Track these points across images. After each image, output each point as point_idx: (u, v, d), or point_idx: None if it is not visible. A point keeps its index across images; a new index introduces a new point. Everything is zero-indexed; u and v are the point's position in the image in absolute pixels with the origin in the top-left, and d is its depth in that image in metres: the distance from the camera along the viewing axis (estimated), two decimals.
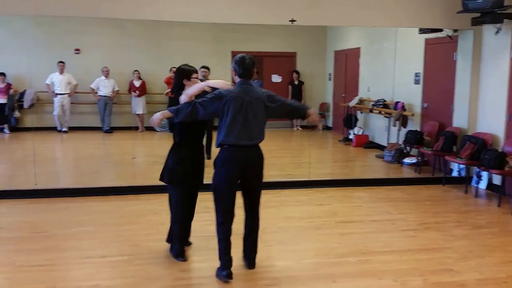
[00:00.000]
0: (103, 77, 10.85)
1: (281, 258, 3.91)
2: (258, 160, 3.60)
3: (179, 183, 3.83)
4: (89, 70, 10.83)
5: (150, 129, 11.36)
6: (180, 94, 3.70)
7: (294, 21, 5.99)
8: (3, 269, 3.61)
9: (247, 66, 3.55)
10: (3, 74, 10.38)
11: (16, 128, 10.69)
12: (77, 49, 11.02)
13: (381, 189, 6.21)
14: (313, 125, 11.34)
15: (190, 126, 3.71)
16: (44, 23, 10.57)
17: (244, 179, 3.54)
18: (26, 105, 10.70)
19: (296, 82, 12.04)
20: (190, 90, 3.63)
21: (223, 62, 11.72)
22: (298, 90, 12.01)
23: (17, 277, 3.48)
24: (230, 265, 3.50)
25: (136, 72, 11.13)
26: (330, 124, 12.07)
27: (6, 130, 10.50)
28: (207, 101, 3.43)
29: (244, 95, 3.48)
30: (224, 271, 3.47)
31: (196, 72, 3.85)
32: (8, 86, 10.45)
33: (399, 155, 7.76)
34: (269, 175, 6.72)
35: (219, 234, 3.56)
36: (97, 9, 5.40)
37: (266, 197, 5.60)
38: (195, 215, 5.03)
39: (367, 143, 9.43)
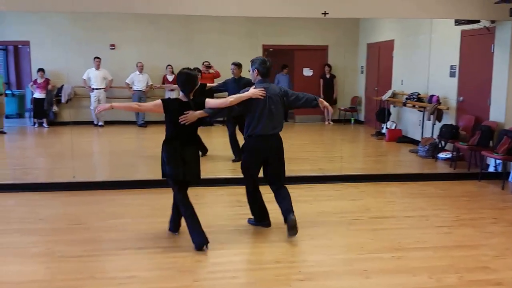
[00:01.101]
0: (137, 72, 11.08)
1: (314, 253, 3.92)
2: (279, 145, 4.29)
3: (171, 177, 3.97)
4: (124, 65, 11.09)
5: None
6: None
7: (327, 13, 5.93)
8: (43, 259, 3.76)
9: (268, 67, 4.30)
10: (42, 69, 10.76)
11: (54, 122, 11.10)
12: (113, 45, 11.30)
13: (415, 185, 6.11)
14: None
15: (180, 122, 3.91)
16: (80, 20, 10.89)
17: (269, 161, 4.27)
18: (63, 99, 11.09)
19: (327, 76, 11.94)
20: (237, 97, 4.11)
21: (254, 56, 11.71)
22: (329, 84, 11.92)
23: (56, 267, 3.61)
24: (265, 218, 4.45)
25: (169, 66, 11.30)
26: (362, 118, 11.92)
27: (45, 124, 10.91)
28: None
29: (266, 92, 4.15)
30: (262, 222, 4.44)
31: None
32: (47, 81, 10.83)
33: (433, 149, 7.59)
34: (301, 169, 6.82)
35: (250, 199, 4.43)
36: (133, 5, 5.52)
37: (299, 191, 5.65)
38: (228, 208, 5.12)
39: (401, 138, 9.27)
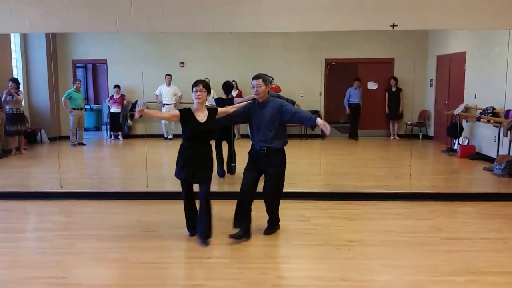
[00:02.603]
0: None
1: (382, 273, 3.82)
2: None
3: (176, 177, 4.48)
4: (192, 82, 11.52)
5: (245, 136, 11.75)
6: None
7: (396, 26, 5.83)
8: (117, 265, 3.99)
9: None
10: (118, 86, 11.49)
11: (129, 135, 11.77)
12: (182, 63, 11.82)
13: (491, 205, 5.76)
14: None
15: (192, 131, 4.34)
16: (153, 39, 11.53)
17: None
18: (137, 114, 11.71)
19: (393, 89, 11.64)
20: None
21: (317, 70, 11.75)
22: (395, 97, 11.61)
23: (130, 273, 3.81)
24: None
25: (233, 82, 11.58)
26: (431, 133, 11.46)
27: (120, 137, 11.59)
28: None
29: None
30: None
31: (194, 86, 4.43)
32: (122, 97, 11.54)
33: (510, 168, 7.12)
34: (365, 185, 6.70)
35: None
36: (203, 25, 5.78)
37: (364, 208, 5.56)
38: (292, 222, 5.12)
39: (474, 154, 8.78)
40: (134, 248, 4.35)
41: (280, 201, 5.96)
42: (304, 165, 8.54)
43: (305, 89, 11.84)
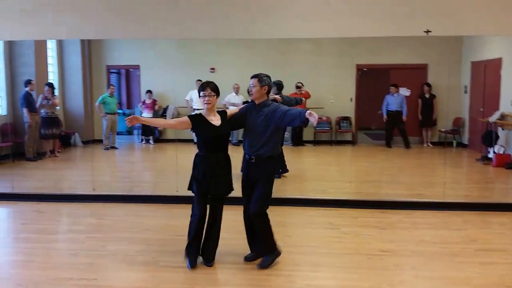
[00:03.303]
0: (233, 93, 11.55)
1: (415, 285, 3.71)
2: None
3: (193, 190, 4.09)
4: (222, 87, 11.53)
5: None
6: None
7: (429, 32, 5.70)
8: (148, 268, 4.02)
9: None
10: (150, 91, 11.71)
11: (160, 140, 11.95)
12: (212, 68, 11.93)
13: None
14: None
15: (208, 137, 3.95)
16: (185, 45, 11.71)
17: None
18: (168, 119, 11.90)
19: (427, 96, 11.38)
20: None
21: (348, 76, 11.63)
22: (429, 104, 11.34)
23: (160, 276, 3.84)
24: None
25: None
26: (465, 141, 11.13)
27: (151, 141, 11.78)
28: None
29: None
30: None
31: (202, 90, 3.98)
32: (154, 102, 11.73)
33: None
34: (398, 194, 6.56)
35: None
36: (233, 31, 5.82)
37: (397, 217, 5.43)
38: (320, 230, 5.04)
39: (510, 163, 8.46)
40: (164, 251, 4.38)
41: (307, 207, 5.92)
42: (333, 172, 8.46)
43: (335, 95, 11.74)
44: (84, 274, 3.89)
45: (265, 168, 3.95)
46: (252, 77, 3.97)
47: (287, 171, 7.60)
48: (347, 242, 4.63)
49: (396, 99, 11.27)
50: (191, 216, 4.09)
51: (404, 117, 11.09)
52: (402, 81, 11.75)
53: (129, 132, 13.23)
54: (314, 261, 4.12)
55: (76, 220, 5.55)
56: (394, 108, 11.25)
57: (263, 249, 4.05)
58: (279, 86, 7.35)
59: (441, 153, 10.23)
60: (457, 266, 4.07)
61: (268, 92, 4.01)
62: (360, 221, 5.33)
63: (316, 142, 11.66)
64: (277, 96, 6.63)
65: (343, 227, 5.08)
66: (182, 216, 5.55)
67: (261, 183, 3.93)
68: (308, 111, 3.66)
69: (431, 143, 11.30)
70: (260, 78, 3.94)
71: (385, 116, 11.39)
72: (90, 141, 11.37)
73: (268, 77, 4.00)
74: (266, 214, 3.98)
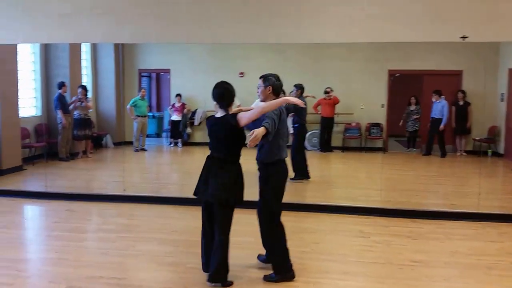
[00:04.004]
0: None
1: None
2: None
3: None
4: (251, 92, 11.55)
5: None
6: None
7: (466, 37, 5.54)
8: (175, 269, 4.04)
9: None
10: (179, 95, 11.84)
11: (188, 143, 12.07)
12: (241, 73, 11.98)
13: None
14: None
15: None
16: (215, 50, 11.81)
17: None
18: (196, 122, 12.03)
19: (461, 103, 11.07)
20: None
21: (379, 82, 11.45)
22: (463, 111, 11.03)
23: (188, 277, 3.85)
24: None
25: (291, 93, 11.55)
26: (501, 150, 10.76)
27: (180, 144, 11.90)
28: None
29: None
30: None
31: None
32: (183, 105, 11.86)
33: None
34: (430, 203, 6.39)
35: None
36: (265, 36, 5.81)
37: (429, 227, 5.28)
38: (350, 238, 4.95)
39: None
40: (192, 253, 4.38)
41: (337, 214, 5.82)
42: (363, 179, 8.32)
43: (366, 101, 11.59)
44: (114, 273, 3.94)
45: (263, 173, 3.82)
46: (260, 78, 3.88)
47: (307, 177, 7.58)
48: (378, 251, 4.53)
49: (437, 105, 10.95)
50: None
51: (441, 126, 10.79)
52: (435, 88, 11.47)
53: (158, 134, 13.43)
54: (343, 269, 4.04)
55: (107, 219, 5.64)
56: (435, 115, 10.94)
57: (273, 265, 3.83)
58: (300, 89, 7.56)
59: (476, 162, 9.93)
60: (493, 279, 3.91)
61: (274, 93, 3.80)
62: (391, 230, 5.21)
63: (344, 149, 11.52)
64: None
65: (374, 236, 4.97)
66: None
67: (261, 188, 3.82)
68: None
69: (465, 151, 11.00)
70: (265, 78, 3.82)
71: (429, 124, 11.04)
72: (121, 143, 11.59)
73: (276, 77, 3.84)
74: (276, 225, 3.78)
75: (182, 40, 5.94)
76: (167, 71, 12.64)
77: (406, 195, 6.89)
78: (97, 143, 11.19)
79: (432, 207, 6.02)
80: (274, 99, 3.74)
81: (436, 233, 5.12)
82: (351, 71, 11.63)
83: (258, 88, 3.84)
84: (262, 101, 3.87)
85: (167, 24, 5.90)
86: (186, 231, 5.10)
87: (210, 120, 3.79)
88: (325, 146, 11.30)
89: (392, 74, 11.65)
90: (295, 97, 7.27)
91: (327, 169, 9.60)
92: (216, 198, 3.58)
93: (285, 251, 3.80)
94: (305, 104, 7.50)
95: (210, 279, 3.65)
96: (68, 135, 9.57)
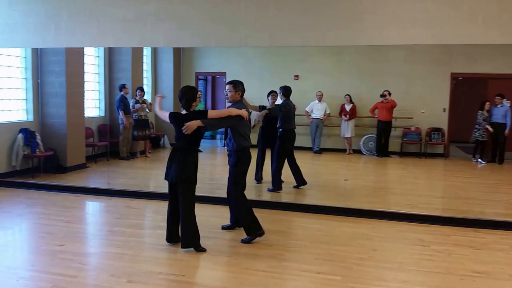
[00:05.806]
0: (316, 101, 11.45)
1: None
2: None
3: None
4: (305, 95, 11.58)
5: (357, 152, 11.42)
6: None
7: None
8: (231, 269, 4.10)
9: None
10: None
11: None
12: (296, 76, 11.95)
13: None
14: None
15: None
16: (269, 53, 11.87)
17: None
18: (252, 124, 12.10)
19: None
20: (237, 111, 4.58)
21: (441, 85, 11.01)
22: None
23: (242, 278, 3.88)
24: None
25: (347, 96, 11.38)
26: None
27: None
28: None
29: None
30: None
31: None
32: None
33: None
34: (494, 213, 6.04)
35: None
36: (323, 38, 5.74)
37: (492, 237, 5.00)
38: (409, 246, 4.75)
39: None
40: (246, 254, 4.43)
41: (396, 221, 5.66)
42: (423, 186, 8.02)
43: (427, 105, 11.19)
44: (173, 269, 4.06)
45: (233, 158, 4.81)
46: (227, 83, 4.78)
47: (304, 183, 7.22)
48: (438, 260, 4.34)
49: (500, 110, 10.35)
50: None
51: (506, 131, 10.17)
52: (502, 92, 10.88)
53: (212, 136, 13.68)
54: (402, 278, 3.91)
55: (165, 217, 5.77)
56: (498, 120, 10.34)
57: (243, 226, 4.82)
58: (286, 92, 7.27)
59: None
60: None
61: (241, 96, 4.81)
62: (452, 239, 4.98)
63: (402, 154, 11.16)
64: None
65: (434, 245, 4.77)
66: (265, 221, 5.57)
67: (231, 169, 4.86)
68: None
69: None
70: (234, 84, 4.74)
71: (490, 128, 10.45)
72: None
73: (241, 83, 4.79)
74: (241, 195, 4.80)
75: (241, 43, 6.00)
76: (223, 74, 12.85)
77: (468, 203, 6.56)
78: (156, 144, 11.56)
79: (497, 217, 5.68)
80: (240, 100, 4.78)
81: (500, 243, 4.84)
82: (412, 74, 11.26)
83: (226, 92, 4.74)
84: (230, 102, 4.82)
85: (226, 27, 6.00)
86: (241, 232, 5.12)
87: (177, 117, 4.53)
88: (382, 150, 11.00)
89: (455, 78, 11.15)
90: (270, 102, 7.25)
91: (384, 174, 9.35)
92: (181, 179, 4.41)
93: (252, 214, 4.73)
94: (294, 108, 7.33)
95: (183, 245, 4.39)
96: (129, 135, 9.97)
